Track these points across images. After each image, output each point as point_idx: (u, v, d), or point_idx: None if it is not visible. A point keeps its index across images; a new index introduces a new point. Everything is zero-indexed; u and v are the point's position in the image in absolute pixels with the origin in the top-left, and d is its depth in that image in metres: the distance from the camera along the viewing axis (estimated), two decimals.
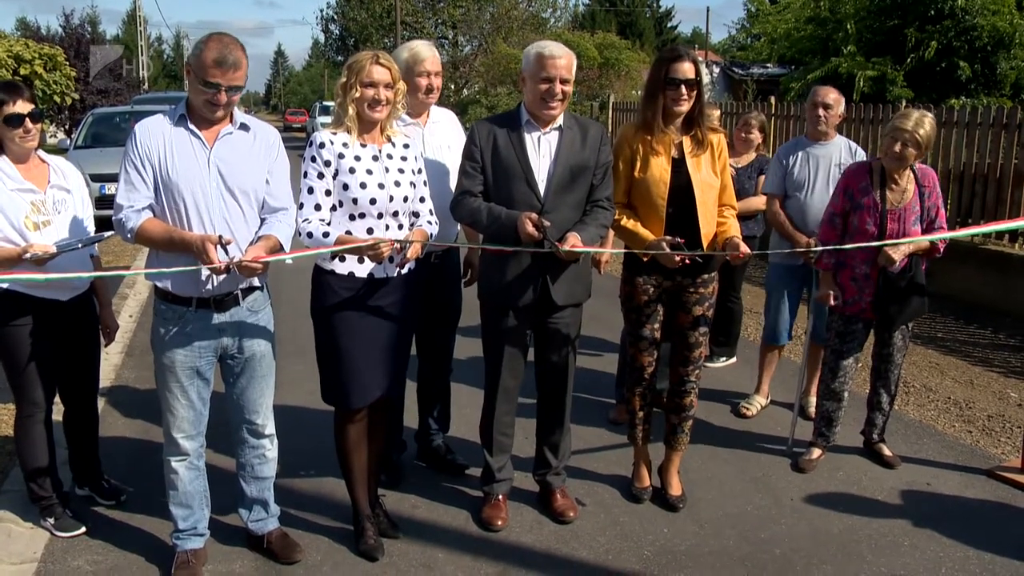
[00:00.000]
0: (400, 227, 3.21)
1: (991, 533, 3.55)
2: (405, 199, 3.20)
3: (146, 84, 33.80)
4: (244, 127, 3.04)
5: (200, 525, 3.25)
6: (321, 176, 3.10)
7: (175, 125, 2.96)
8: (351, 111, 3.12)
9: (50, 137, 35.24)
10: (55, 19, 56.93)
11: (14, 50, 19.09)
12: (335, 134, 3.14)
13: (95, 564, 3.28)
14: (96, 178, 10.95)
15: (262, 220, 3.07)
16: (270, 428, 3.29)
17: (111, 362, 5.81)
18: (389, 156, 3.20)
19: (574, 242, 3.23)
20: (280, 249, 3.00)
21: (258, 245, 2.96)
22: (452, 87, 30.62)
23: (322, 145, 3.11)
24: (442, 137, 3.79)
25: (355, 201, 3.10)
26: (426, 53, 3.69)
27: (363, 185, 3.09)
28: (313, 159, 3.11)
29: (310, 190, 3.10)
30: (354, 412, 3.28)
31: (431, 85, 3.69)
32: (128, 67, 30.61)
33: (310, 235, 3.04)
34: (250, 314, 3.10)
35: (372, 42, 32.15)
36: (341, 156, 3.11)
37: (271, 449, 3.32)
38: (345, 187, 3.10)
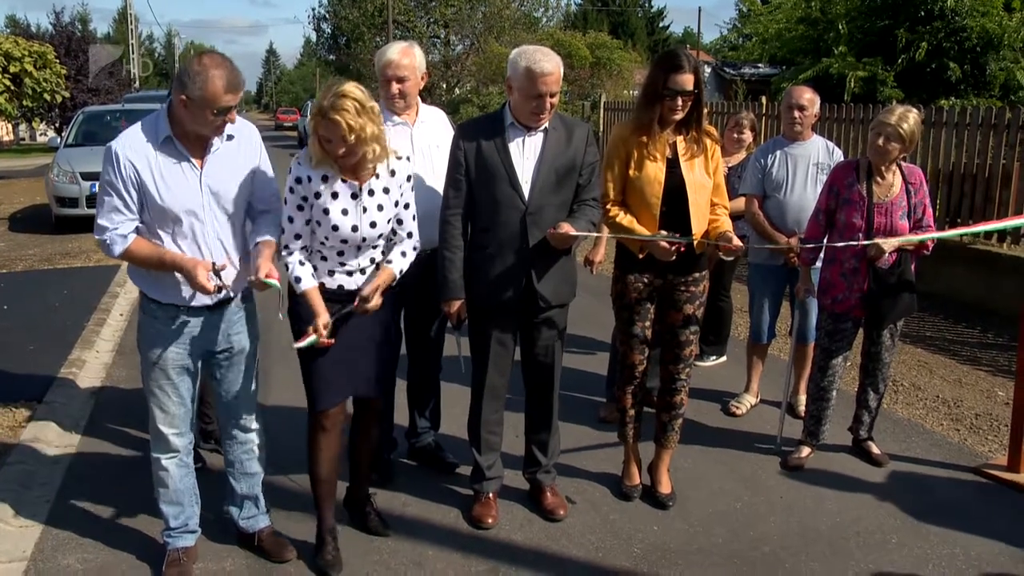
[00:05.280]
0: (371, 258, 3.14)
1: (978, 530, 3.58)
2: (380, 236, 3.11)
3: (137, 83, 33.69)
4: (228, 138, 2.97)
5: (191, 523, 3.24)
6: (300, 208, 3.00)
7: (161, 146, 2.85)
8: (320, 154, 2.95)
9: (40, 135, 35.12)
10: (45, 17, 56.74)
11: (3, 47, 18.99)
12: (315, 168, 2.97)
13: (85, 562, 3.28)
14: (87, 176, 10.96)
15: (251, 218, 3.05)
16: (257, 422, 3.28)
17: (101, 361, 5.81)
18: (371, 192, 3.04)
19: (567, 228, 3.25)
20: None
21: (265, 257, 2.92)
22: (444, 86, 30.59)
23: (299, 180, 2.98)
24: (431, 137, 3.79)
25: (326, 238, 3.02)
26: (391, 55, 3.63)
27: (335, 228, 2.99)
28: (291, 190, 3.00)
29: (290, 219, 3.01)
30: (322, 416, 3.18)
31: (390, 92, 3.65)
32: (127, 67, 30.52)
33: (287, 267, 3.00)
34: (237, 310, 3.10)
35: (364, 41, 32.08)
36: (317, 195, 2.97)
37: (259, 444, 3.31)
38: (319, 224, 3.01)
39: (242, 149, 3.01)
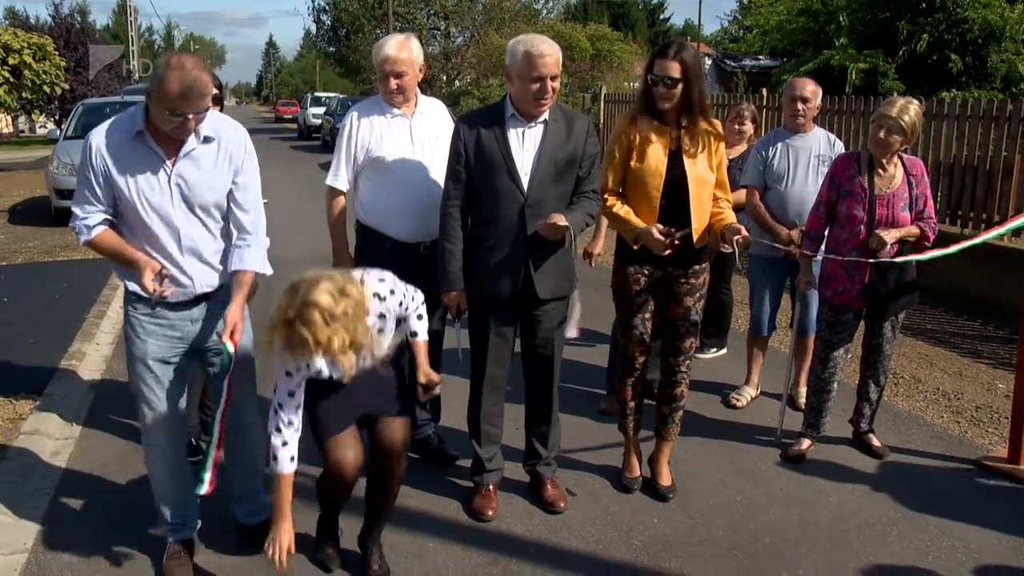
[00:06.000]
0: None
1: (977, 522, 3.58)
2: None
3: (136, 75, 33.62)
4: (207, 140, 2.86)
5: (190, 516, 3.23)
6: (300, 384, 2.82)
7: (133, 139, 2.78)
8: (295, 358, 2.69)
9: (39, 127, 35.10)
10: (44, 8, 56.50)
11: (2, 39, 18.97)
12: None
13: (86, 555, 3.27)
14: None
15: (231, 236, 2.99)
16: (255, 416, 3.27)
17: (102, 353, 5.81)
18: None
19: (558, 219, 3.23)
20: (255, 284, 3.02)
21: (234, 307, 2.89)
22: (444, 78, 30.52)
23: (298, 369, 2.76)
24: (430, 127, 3.77)
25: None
26: (387, 51, 3.60)
27: (334, 386, 2.88)
28: (288, 374, 2.78)
29: (291, 394, 2.81)
30: (330, 447, 2.97)
31: (389, 87, 3.64)
32: (128, 67, 30.43)
33: (282, 443, 2.81)
34: (223, 305, 3.01)
35: (364, 33, 31.98)
36: (319, 372, 2.81)
37: (257, 437, 3.29)
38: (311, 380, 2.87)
39: (221, 152, 2.91)
